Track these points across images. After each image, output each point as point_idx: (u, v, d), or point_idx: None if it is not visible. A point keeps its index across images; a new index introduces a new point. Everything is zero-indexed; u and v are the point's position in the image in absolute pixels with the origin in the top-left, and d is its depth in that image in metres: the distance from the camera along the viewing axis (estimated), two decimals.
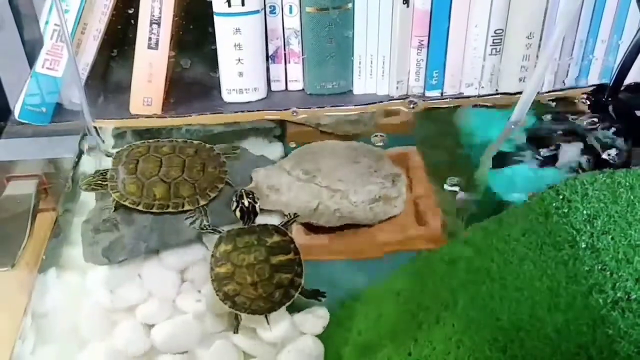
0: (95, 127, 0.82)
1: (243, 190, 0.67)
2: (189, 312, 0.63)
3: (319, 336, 0.62)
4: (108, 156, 0.75)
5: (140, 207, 0.68)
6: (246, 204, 0.66)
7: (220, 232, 0.66)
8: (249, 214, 0.66)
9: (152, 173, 0.70)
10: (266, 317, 0.60)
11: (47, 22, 0.83)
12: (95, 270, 0.66)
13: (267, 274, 0.60)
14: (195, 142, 0.77)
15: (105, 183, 0.71)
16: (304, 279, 0.62)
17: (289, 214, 0.68)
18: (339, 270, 0.66)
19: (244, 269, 0.61)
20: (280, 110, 0.89)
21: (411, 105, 0.87)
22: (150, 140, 0.77)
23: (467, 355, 0.54)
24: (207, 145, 0.77)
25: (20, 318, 0.62)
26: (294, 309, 0.63)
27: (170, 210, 0.68)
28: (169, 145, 0.75)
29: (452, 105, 0.90)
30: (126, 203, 0.68)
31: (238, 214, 0.66)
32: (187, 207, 0.69)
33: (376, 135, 0.82)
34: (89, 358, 0.60)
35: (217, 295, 0.61)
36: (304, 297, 0.62)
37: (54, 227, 0.72)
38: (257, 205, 0.66)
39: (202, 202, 0.70)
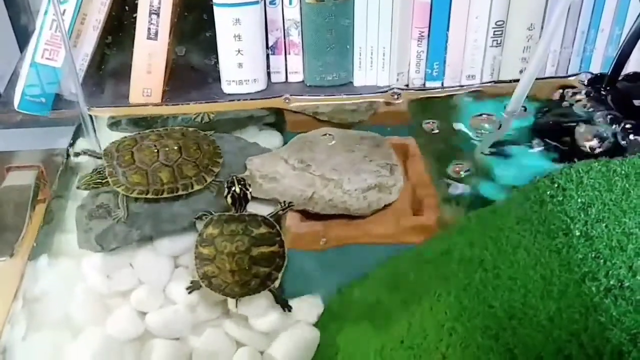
0: (90, 116, 0.82)
1: (234, 177, 0.67)
2: (181, 299, 0.63)
3: (314, 324, 0.62)
4: (98, 158, 0.74)
5: (149, 195, 0.67)
6: (237, 190, 0.66)
7: (212, 214, 0.66)
8: (240, 200, 0.66)
9: (152, 159, 0.69)
10: (236, 300, 0.62)
11: (45, 12, 0.83)
12: (89, 257, 0.66)
13: (245, 265, 0.61)
14: (177, 127, 0.77)
15: (105, 180, 0.69)
16: (282, 272, 0.63)
17: (283, 202, 0.68)
18: (335, 257, 0.66)
19: (224, 255, 0.62)
20: (275, 98, 0.89)
21: (395, 97, 0.86)
22: (135, 133, 0.76)
23: (459, 343, 0.54)
24: (191, 129, 0.76)
25: (9, 304, 0.62)
26: (288, 297, 0.63)
27: (180, 192, 0.68)
28: (155, 133, 0.74)
29: (449, 94, 0.89)
30: (134, 194, 0.67)
31: (229, 200, 0.66)
32: (196, 187, 0.69)
33: (428, 122, 0.82)
34: (82, 344, 0.60)
35: (197, 272, 0.62)
36: (274, 298, 0.63)
37: (45, 213, 0.72)
38: (248, 193, 0.67)
39: (208, 179, 0.70)
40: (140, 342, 0.60)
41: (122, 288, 0.64)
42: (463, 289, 0.57)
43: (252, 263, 0.62)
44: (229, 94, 0.90)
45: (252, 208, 0.70)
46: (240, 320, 0.61)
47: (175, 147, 0.70)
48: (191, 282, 0.64)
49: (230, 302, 0.63)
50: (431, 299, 0.58)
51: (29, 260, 0.67)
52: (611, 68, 0.71)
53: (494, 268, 0.57)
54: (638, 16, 0.67)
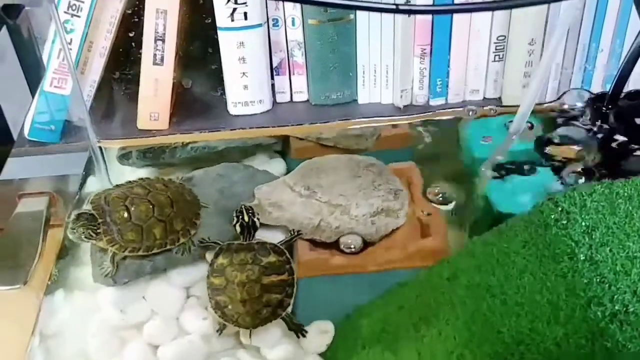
0: (100, 148, 0.83)
1: (243, 206, 0.68)
2: (194, 330, 0.64)
3: (324, 351, 0.63)
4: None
5: (140, 252, 0.67)
6: (246, 219, 0.67)
7: (220, 244, 0.67)
8: (249, 229, 0.67)
9: (148, 215, 0.67)
10: (250, 331, 0.62)
11: (53, 41, 0.84)
12: (103, 291, 0.67)
13: (256, 293, 0.62)
14: (152, 177, 0.76)
15: (98, 235, 0.66)
16: (293, 300, 0.64)
17: (292, 230, 0.69)
18: (343, 285, 0.67)
19: (235, 285, 0.62)
20: (285, 126, 0.89)
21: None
22: (121, 184, 0.73)
23: None
24: (164, 177, 0.76)
25: (29, 338, 0.63)
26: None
27: (167, 247, 0.68)
28: (139, 185, 0.71)
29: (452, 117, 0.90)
30: (126, 252, 0.66)
31: (238, 229, 0.67)
32: (182, 240, 0.69)
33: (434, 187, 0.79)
34: None
35: (210, 302, 0.63)
36: (287, 325, 0.64)
37: (61, 247, 0.73)
38: (257, 221, 0.68)
39: (192, 232, 0.70)
40: None
41: (135, 321, 0.65)
42: (471, 315, 0.58)
43: (264, 291, 0.62)
44: (235, 116, 0.91)
45: (263, 236, 0.71)
46: (254, 350, 0.62)
47: (167, 201, 0.69)
48: (219, 325, 0.64)
49: (243, 333, 0.63)
50: (439, 325, 0.59)
51: (45, 295, 0.68)
52: (612, 86, 0.71)
53: (501, 294, 0.57)
54: (637, 35, 0.68)
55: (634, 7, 0.72)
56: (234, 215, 0.68)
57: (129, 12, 0.87)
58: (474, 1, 0.75)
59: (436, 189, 0.75)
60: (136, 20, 0.87)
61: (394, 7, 0.50)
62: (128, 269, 0.67)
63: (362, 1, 0.54)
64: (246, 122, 0.90)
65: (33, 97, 0.53)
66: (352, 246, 0.68)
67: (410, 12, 0.71)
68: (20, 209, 0.79)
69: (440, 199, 0.74)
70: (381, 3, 0.63)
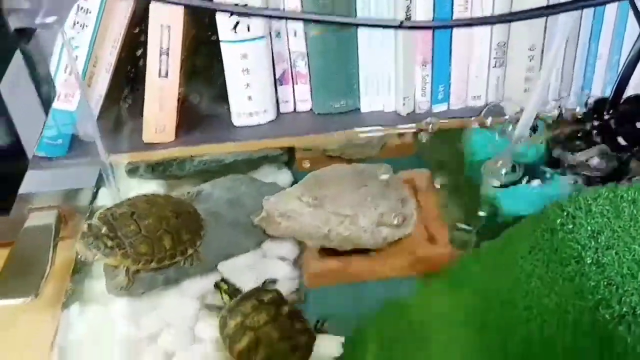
0: (110, 163, 0.84)
1: (216, 282, 0.68)
2: (208, 338, 0.65)
3: None
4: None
5: (153, 265, 0.68)
6: (226, 287, 0.67)
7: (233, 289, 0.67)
8: (234, 292, 0.67)
9: (157, 227, 0.69)
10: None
11: (59, 58, 0.86)
12: (117, 303, 0.68)
13: (287, 325, 0.62)
14: (158, 191, 0.77)
15: (110, 245, 0.67)
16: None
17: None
18: (353, 293, 0.68)
19: (265, 328, 0.61)
20: (290, 136, 0.90)
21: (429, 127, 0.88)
22: (121, 202, 0.74)
23: None
24: (161, 193, 0.77)
25: (48, 353, 0.64)
26: None
27: (177, 258, 0.69)
28: (142, 199, 0.73)
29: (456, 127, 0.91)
30: (140, 265, 0.68)
31: (226, 297, 0.66)
32: (189, 251, 0.70)
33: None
34: None
35: None
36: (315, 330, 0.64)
37: (76, 263, 0.74)
38: (234, 285, 0.68)
39: (198, 242, 0.71)
40: None
41: (150, 331, 0.66)
42: (480, 321, 0.59)
43: (290, 319, 0.62)
44: (239, 127, 0.92)
45: (271, 247, 0.72)
46: None
47: (172, 214, 0.71)
48: None
49: None
50: (449, 330, 0.60)
51: (62, 310, 0.69)
52: (612, 92, 0.72)
53: (510, 299, 0.58)
54: (637, 40, 0.69)
55: (631, 12, 0.73)
56: (215, 290, 0.68)
57: (134, 28, 0.88)
58: (473, 17, 0.76)
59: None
60: (141, 35, 0.89)
61: (397, 24, 0.50)
62: (143, 280, 0.68)
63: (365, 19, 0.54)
64: (250, 133, 0.91)
65: (46, 116, 0.54)
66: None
67: (413, 28, 0.72)
68: (29, 223, 0.80)
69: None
70: (383, 20, 0.64)
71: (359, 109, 0.94)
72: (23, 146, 0.49)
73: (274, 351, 0.60)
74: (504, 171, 0.76)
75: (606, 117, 0.71)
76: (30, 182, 0.85)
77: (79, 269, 0.73)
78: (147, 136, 0.90)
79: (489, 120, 0.88)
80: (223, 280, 0.68)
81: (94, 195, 0.83)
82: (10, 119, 0.48)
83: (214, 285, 0.68)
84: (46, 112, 0.54)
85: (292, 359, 0.61)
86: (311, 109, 0.95)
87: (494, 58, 0.90)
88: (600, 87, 0.91)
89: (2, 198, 0.47)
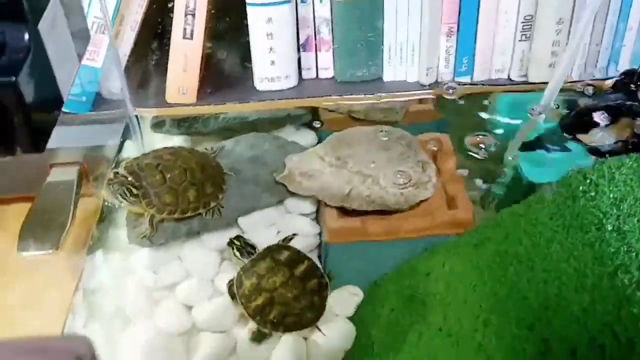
0: (136, 117, 0.85)
1: (230, 239, 0.68)
2: (226, 292, 0.66)
3: (352, 315, 0.64)
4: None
5: (176, 215, 0.69)
6: (238, 244, 0.67)
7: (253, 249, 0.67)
8: (247, 248, 0.66)
9: (182, 178, 0.70)
10: (317, 326, 0.62)
11: (86, 14, 0.86)
12: (139, 252, 0.69)
13: (301, 286, 0.63)
14: (182, 147, 0.77)
15: (135, 194, 0.68)
16: (327, 279, 0.65)
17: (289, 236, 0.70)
18: (372, 251, 0.68)
19: (280, 289, 0.62)
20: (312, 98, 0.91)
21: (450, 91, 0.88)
22: (147, 152, 0.75)
23: (494, 334, 0.56)
24: (186, 146, 0.77)
25: (71, 295, 0.66)
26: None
27: (200, 211, 0.70)
28: (167, 152, 0.73)
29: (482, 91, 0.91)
30: (163, 215, 0.68)
31: (238, 254, 0.66)
32: (212, 204, 0.71)
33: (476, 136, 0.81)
34: (134, 334, 0.63)
35: (265, 328, 0.61)
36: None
37: (102, 211, 0.75)
38: (248, 240, 0.68)
39: (220, 196, 0.72)
40: (187, 335, 0.63)
41: (169, 281, 0.67)
42: (498, 280, 0.59)
43: (304, 280, 0.63)
44: (261, 91, 0.93)
45: (293, 205, 0.73)
46: None
47: (197, 167, 0.71)
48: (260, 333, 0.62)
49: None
50: (466, 291, 0.60)
51: (87, 255, 0.70)
52: None
53: (528, 261, 0.59)
54: None
55: None
56: (228, 246, 0.68)
57: None
58: None
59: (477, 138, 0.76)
60: None
61: None
62: (165, 230, 0.69)
63: None
64: (273, 97, 0.91)
65: (80, 63, 0.55)
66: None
67: None
68: (51, 178, 0.81)
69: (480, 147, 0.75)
70: None
71: (381, 78, 0.94)
72: (59, 86, 0.50)
73: (289, 309, 0.62)
74: None
75: (633, 88, 0.71)
76: (53, 137, 0.87)
77: (104, 218, 0.74)
78: (170, 97, 0.91)
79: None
80: (238, 237, 0.68)
81: (120, 147, 0.84)
82: (47, 58, 0.48)
83: (227, 243, 0.67)
84: (80, 59, 0.55)
85: (307, 316, 0.62)
86: (333, 77, 0.95)
87: (521, 31, 0.89)
88: (629, 60, 0.90)
89: (37, 135, 0.48)
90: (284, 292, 0.62)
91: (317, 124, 0.86)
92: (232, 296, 0.64)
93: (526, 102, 0.84)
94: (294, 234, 0.70)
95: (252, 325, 0.63)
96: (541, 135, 0.81)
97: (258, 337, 0.62)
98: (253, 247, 0.67)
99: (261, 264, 0.64)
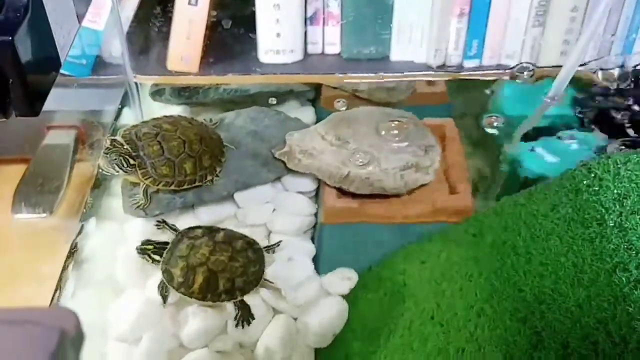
0: (135, 83, 0.84)
1: (139, 248, 0.64)
2: None
3: (345, 297, 0.64)
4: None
5: (172, 187, 0.68)
6: (152, 247, 0.64)
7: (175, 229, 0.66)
8: (162, 246, 0.63)
9: (180, 150, 0.68)
10: (265, 279, 0.63)
11: None
12: (132, 222, 0.69)
13: (229, 248, 0.62)
14: (182, 116, 0.75)
15: (132, 163, 0.67)
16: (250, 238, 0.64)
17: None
18: (368, 234, 0.67)
19: (212, 257, 0.61)
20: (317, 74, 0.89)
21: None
22: (147, 120, 0.73)
23: (487, 324, 0.55)
24: (187, 116, 0.76)
25: (62, 261, 0.65)
26: (323, 270, 0.65)
27: (196, 184, 0.69)
28: (166, 121, 0.72)
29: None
30: (159, 186, 0.67)
31: (156, 257, 0.63)
32: (208, 177, 0.70)
33: (490, 116, 0.81)
34: (124, 304, 0.63)
35: (221, 301, 0.60)
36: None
37: (96, 178, 0.74)
38: (157, 240, 0.65)
39: (218, 169, 0.71)
40: (176, 307, 0.63)
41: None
42: (494, 271, 0.59)
43: (227, 243, 0.62)
44: (265, 64, 0.91)
45: (291, 182, 0.72)
46: (276, 291, 0.63)
47: (196, 138, 0.70)
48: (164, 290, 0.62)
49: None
50: (461, 280, 0.60)
51: (80, 222, 0.69)
52: None
53: (526, 253, 0.58)
54: None
55: None
56: (142, 256, 0.64)
57: None
58: None
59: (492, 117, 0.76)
60: None
61: None
62: (160, 202, 0.68)
63: None
64: (276, 71, 0.90)
65: (80, 25, 0.53)
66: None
67: None
68: (48, 141, 0.80)
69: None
70: None
71: (388, 57, 0.93)
72: (57, 48, 0.48)
73: (232, 272, 0.61)
74: None
75: None
76: (51, 99, 0.85)
77: (99, 184, 0.73)
78: (172, 64, 0.89)
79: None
80: (147, 241, 0.64)
81: (118, 114, 0.83)
82: (46, 18, 0.47)
83: (140, 252, 0.63)
84: (80, 20, 0.53)
85: (252, 270, 0.62)
86: (339, 53, 0.93)
87: (534, 17, 0.87)
88: None
89: (33, 98, 0.46)
90: (216, 258, 0.61)
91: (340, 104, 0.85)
92: (164, 298, 0.61)
93: (532, 91, 0.83)
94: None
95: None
96: (553, 124, 0.79)
97: (244, 317, 0.61)
98: (166, 242, 0.64)
99: (180, 247, 0.62)
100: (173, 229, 0.66)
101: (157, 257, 0.63)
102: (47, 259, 0.66)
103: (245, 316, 0.61)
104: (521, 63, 0.89)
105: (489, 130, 0.78)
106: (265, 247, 0.66)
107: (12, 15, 0.44)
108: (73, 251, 0.67)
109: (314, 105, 0.85)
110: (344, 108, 0.84)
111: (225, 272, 0.60)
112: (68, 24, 0.51)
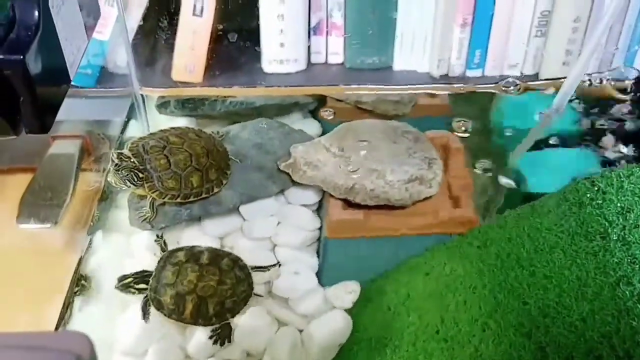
0: (142, 95, 0.84)
1: (119, 285, 0.63)
2: None
3: (349, 310, 0.64)
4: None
5: (179, 200, 0.68)
6: (131, 279, 0.63)
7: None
8: (142, 275, 0.64)
9: (187, 164, 0.68)
10: (255, 294, 0.63)
11: None
12: (139, 235, 0.69)
13: (216, 270, 0.62)
14: (189, 128, 0.75)
15: (141, 177, 0.67)
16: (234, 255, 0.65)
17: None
18: (372, 247, 0.68)
19: (200, 283, 0.61)
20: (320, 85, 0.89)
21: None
22: (154, 132, 0.73)
23: (491, 339, 0.56)
24: (194, 128, 0.76)
25: (70, 276, 0.65)
26: (327, 282, 0.66)
27: (203, 196, 0.69)
28: (173, 133, 0.72)
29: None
30: (166, 199, 0.68)
31: (140, 286, 0.63)
32: (215, 190, 0.70)
33: (459, 121, 0.82)
34: (130, 317, 0.63)
35: (212, 325, 0.61)
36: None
37: (103, 191, 0.74)
38: (136, 271, 0.64)
39: (224, 182, 0.71)
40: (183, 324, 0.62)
41: None
42: (498, 284, 0.59)
43: (213, 264, 0.62)
44: (269, 74, 0.91)
45: (295, 195, 0.73)
46: (282, 302, 0.64)
47: (203, 151, 0.70)
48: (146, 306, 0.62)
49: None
50: (466, 292, 0.60)
51: (87, 235, 0.70)
52: None
53: (530, 266, 0.59)
54: None
55: None
56: (123, 290, 0.63)
57: None
58: None
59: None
60: None
61: None
62: (167, 215, 0.69)
63: None
64: (280, 81, 0.90)
65: (88, 40, 0.53)
66: None
67: None
68: (53, 150, 0.80)
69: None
70: None
71: (391, 67, 0.93)
72: (66, 65, 0.49)
73: (221, 295, 0.61)
74: None
75: None
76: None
77: (106, 197, 0.74)
78: (177, 74, 0.90)
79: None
80: (124, 276, 0.63)
81: (124, 126, 0.83)
82: (56, 36, 0.47)
83: (121, 288, 0.63)
84: (89, 35, 0.53)
85: (241, 290, 0.62)
86: (342, 63, 0.94)
87: (536, 27, 0.87)
88: None
89: (43, 115, 0.47)
90: (204, 284, 0.61)
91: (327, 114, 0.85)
92: (146, 313, 0.62)
93: (532, 104, 0.84)
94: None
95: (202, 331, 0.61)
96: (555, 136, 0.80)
97: (222, 336, 0.61)
98: (145, 271, 0.64)
99: (165, 274, 0.62)
100: (163, 249, 0.66)
101: (141, 286, 0.63)
102: (54, 269, 0.67)
103: (223, 335, 0.61)
104: (508, 77, 0.90)
105: (460, 135, 0.79)
106: (257, 268, 0.66)
107: (23, 34, 0.45)
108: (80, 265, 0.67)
109: (319, 118, 0.85)
110: (330, 117, 0.84)
111: (214, 297, 0.61)
112: (77, 40, 0.51)
